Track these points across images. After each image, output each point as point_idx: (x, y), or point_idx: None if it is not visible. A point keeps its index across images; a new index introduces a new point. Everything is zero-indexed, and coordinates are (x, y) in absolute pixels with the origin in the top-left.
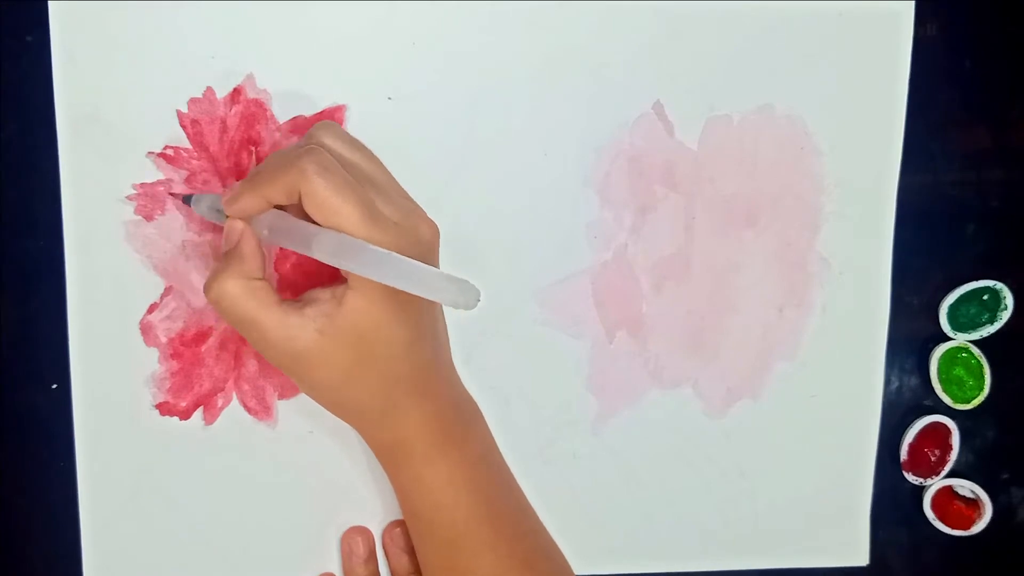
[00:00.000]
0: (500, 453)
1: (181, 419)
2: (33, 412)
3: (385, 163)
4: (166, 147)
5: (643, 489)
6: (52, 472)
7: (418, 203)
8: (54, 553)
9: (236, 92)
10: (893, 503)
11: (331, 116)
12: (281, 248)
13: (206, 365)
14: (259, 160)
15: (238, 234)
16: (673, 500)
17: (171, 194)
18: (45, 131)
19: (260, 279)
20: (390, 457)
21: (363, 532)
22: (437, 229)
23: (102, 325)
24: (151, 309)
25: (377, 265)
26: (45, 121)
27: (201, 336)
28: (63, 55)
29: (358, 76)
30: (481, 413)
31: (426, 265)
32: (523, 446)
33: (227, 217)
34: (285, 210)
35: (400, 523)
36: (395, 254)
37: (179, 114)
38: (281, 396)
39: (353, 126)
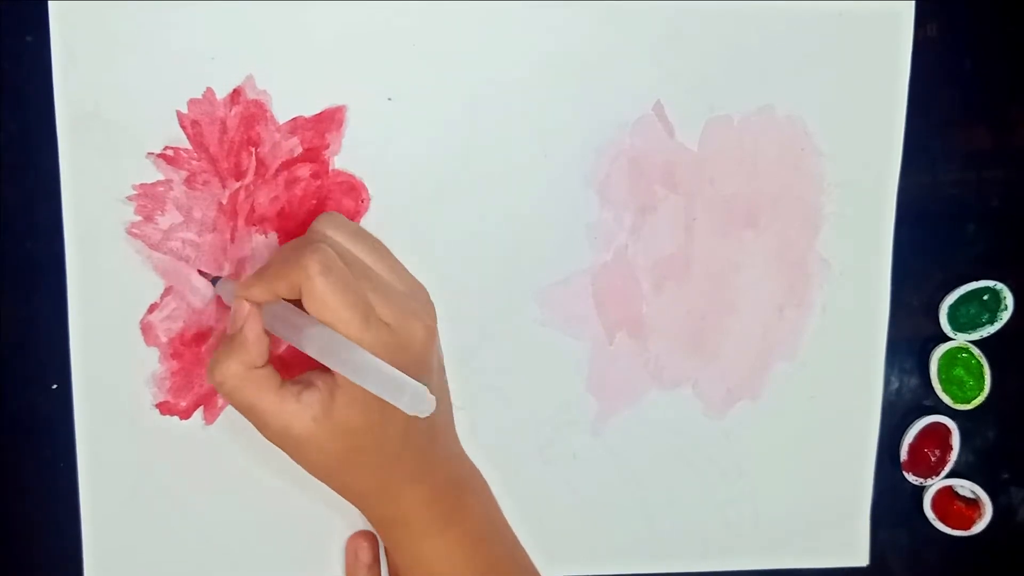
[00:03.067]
0: (504, 520)
1: (181, 419)
2: (34, 412)
3: (384, 164)
4: (166, 148)
5: (643, 489)
6: (53, 472)
7: (419, 293)
8: (55, 553)
9: (236, 93)
10: (893, 503)
11: (331, 117)
12: None
13: (206, 365)
14: (259, 161)
15: (243, 318)
16: (673, 500)
17: (201, 272)
18: (45, 131)
19: (261, 366)
20: (389, 533)
21: (368, 537)
22: (433, 329)
23: (102, 325)
24: (151, 309)
25: (348, 365)
26: (45, 121)
27: (201, 336)
28: (63, 55)
29: (358, 77)
30: (484, 481)
31: (388, 367)
32: (523, 446)
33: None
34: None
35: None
36: (365, 354)
37: (179, 115)
38: None
39: (353, 127)
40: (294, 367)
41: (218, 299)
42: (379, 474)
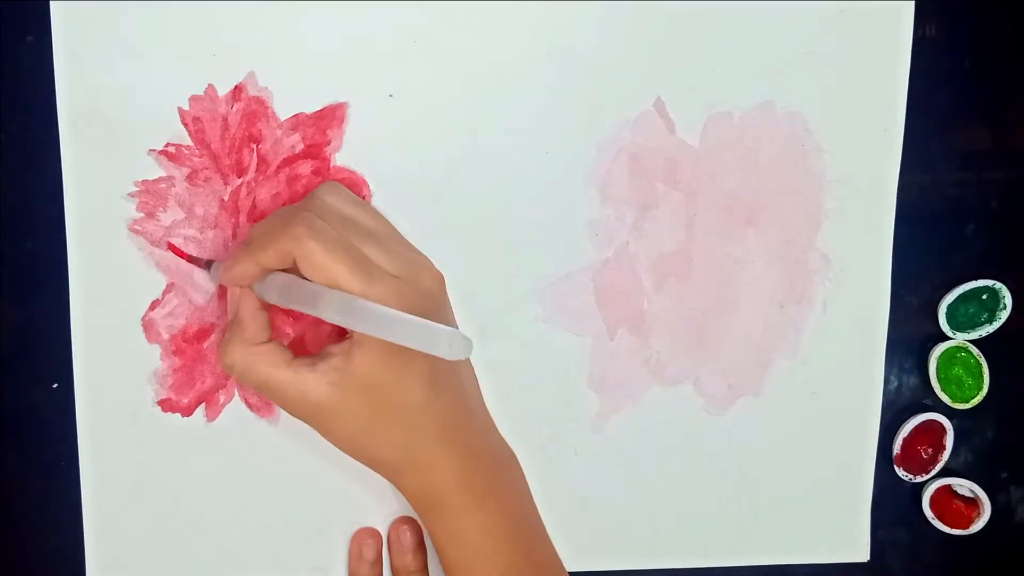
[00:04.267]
0: (533, 499)
1: (183, 416)
2: (35, 410)
3: (385, 161)
4: (168, 144)
5: (644, 486)
6: (55, 470)
7: (421, 252)
8: (57, 551)
9: (237, 90)
10: (892, 501)
11: (332, 113)
12: None
13: (208, 362)
14: (260, 158)
15: (236, 301)
16: (674, 497)
17: (191, 259)
18: (47, 130)
19: (265, 342)
20: (425, 508)
21: (373, 535)
22: (442, 278)
23: (104, 322)
24: (153, 306)
25: (373, 322)
26: (47, 120)
27: (203, 333)
28: (64, 54)
29: (359, 73)
30: (516, 459)
31: (418, 319)
32: (524, 443)
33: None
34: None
35: (407, 520)
36: (388, 309)
37: (180, 112)
38: None
39: (354, 123)
40: (313, 348)
41: (219, 291)
42: (407, 439)
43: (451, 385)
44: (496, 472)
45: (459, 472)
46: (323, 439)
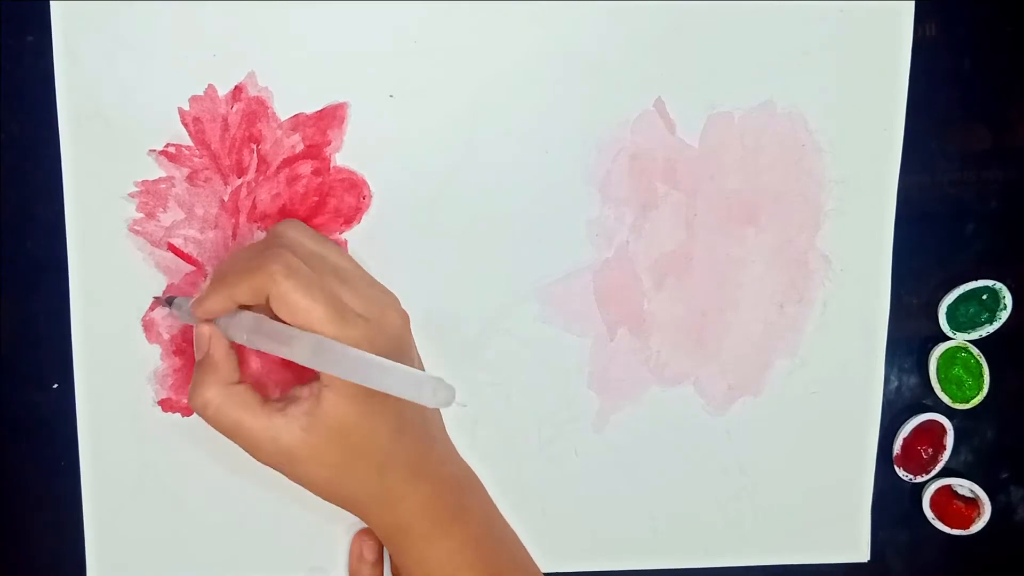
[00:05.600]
0: (503, 520)
1: (183, 416)
2: (36, 411)
3: (386, 161)
4: (168, 145)
5: (644, 486)
6: (55, 470)
7: (386, 289)
8: (58, 551)
9: (237, 90)
10: (893, 501)
11: (332, 114)
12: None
13: None
14: (260, 158)
15: (207, 340)
16: (674, 497)
17: (155, 298)
18: (47, 130)
19: (237, 383)
20: (391, 539)
21: (373, 535)
22: (407, 316)
23: (104, 322)
24: (153, 306)
25: (354, 369)
26: (47, 120)
27: None
28: (65, 54)
29: (359, 74)
30: (480, 481)
31: (402, 366)
32: (524, 443)
33: (198, 322)
34: (253, 311)
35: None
36: (372, 356)
37: (180, 112)
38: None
39: (354, 124)
40: (269, 386)
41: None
42: (377, 478)
43: (416, 419)
44: (460, 499)
45: (424, 503)
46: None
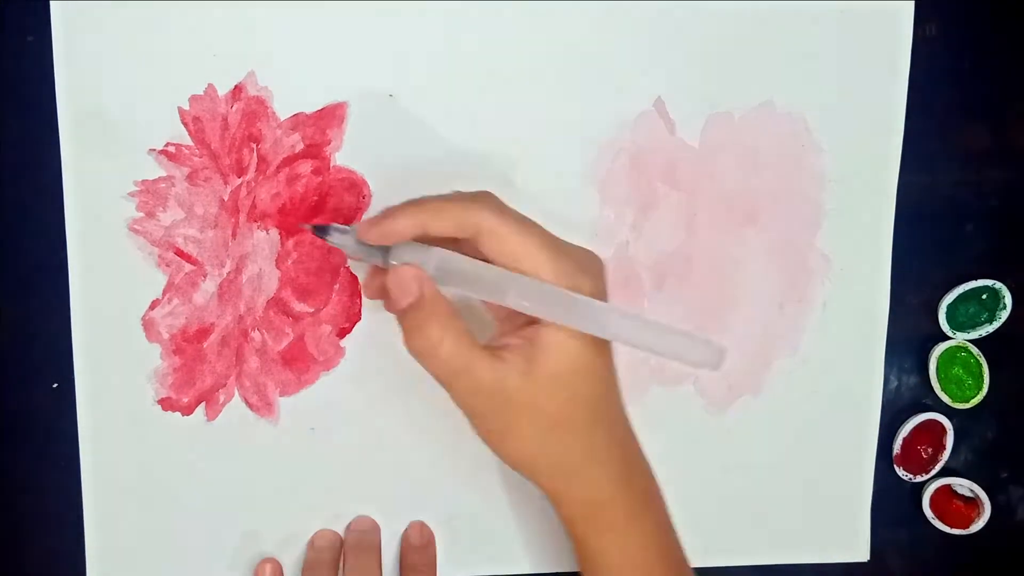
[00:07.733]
0: None
1: (183, 415)
2: (36, 410)
3: (385, 161)
4: (168, 144)
5: None
6: (55, 469)
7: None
8: (58, 550)
9: (237, 89)
10: (892, 501)
11: (332, 113)
12: (283, 245)
13: (208, 361)
14: (260, 158)
15: (417, 281)
16: (674, 496)
17: (315, 228)
18: (47, 130)
19: (463, 324)
20: (588, 520)
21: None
22: (602, 260)
23: (104, 321)
24: (153, 305)
25: (628, 332)
26: (47, 120)
27: (203, 332)
28: (65, 54)
29: (359, 73)
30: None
31: (674, 327)
32: None
33: (392, 265)
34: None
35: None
36: (629, 311)
37: (180, 111)
38: (283, 393)
39: (354, 123)
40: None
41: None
42: (587, 436)
43: (616, 385)
44: (651, 485)
45: (623, 482)
46: (319, 438)
